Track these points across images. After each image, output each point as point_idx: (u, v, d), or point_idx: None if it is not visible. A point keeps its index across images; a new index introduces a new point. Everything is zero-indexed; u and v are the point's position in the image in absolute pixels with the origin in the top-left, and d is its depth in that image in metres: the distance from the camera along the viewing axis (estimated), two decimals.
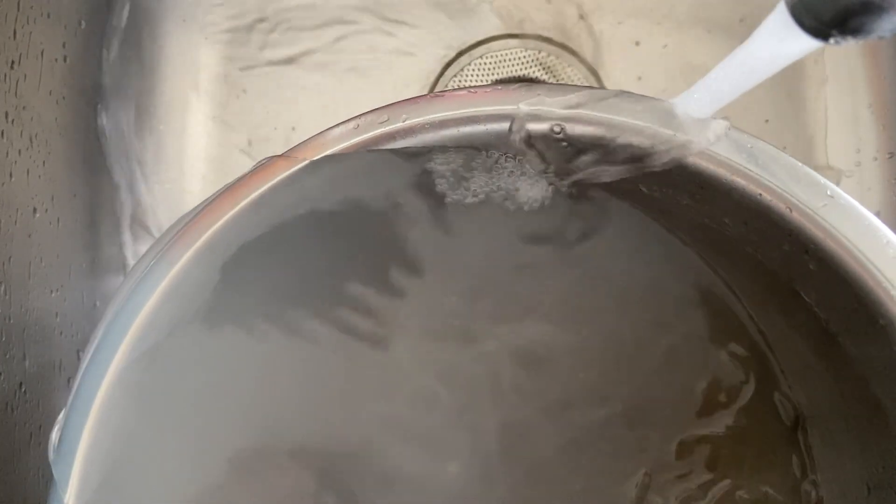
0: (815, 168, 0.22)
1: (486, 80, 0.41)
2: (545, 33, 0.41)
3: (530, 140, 0.23)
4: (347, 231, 0.27)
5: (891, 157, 0.40)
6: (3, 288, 0.30)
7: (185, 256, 0.23)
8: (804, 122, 0.41)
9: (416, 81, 0.41)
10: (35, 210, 0.33)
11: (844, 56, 0.41)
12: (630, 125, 0.22)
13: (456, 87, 0.41)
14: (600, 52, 0.41)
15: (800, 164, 0.22)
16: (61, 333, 0.35)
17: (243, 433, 0.27)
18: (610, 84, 0.41)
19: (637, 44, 0.41)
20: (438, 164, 0.25)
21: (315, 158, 0.23)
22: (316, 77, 0.41)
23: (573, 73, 0.41)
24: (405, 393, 0.29)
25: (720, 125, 0.22)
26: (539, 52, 0.41)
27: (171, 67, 0.41)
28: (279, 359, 0.28)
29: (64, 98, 0.35)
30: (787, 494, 0.28)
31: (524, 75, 0.41)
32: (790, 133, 0.41)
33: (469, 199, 0.27)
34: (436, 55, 0.41)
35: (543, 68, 0.41)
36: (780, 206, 0.22)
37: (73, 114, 0.35)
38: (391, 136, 0.23)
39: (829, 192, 0.22)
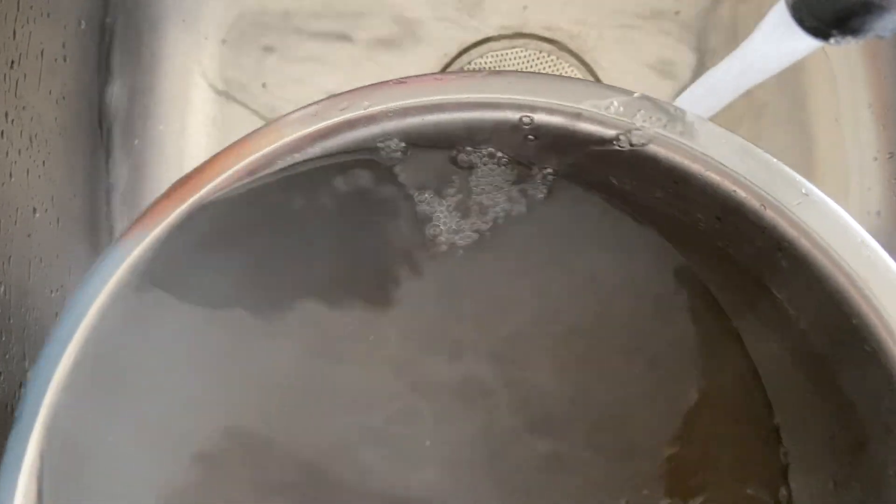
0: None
1: None
2: (546, 33, 0.41)
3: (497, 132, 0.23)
4: (319, 235, 0.26)
5: (891, 157, 0.40)
6: (3, 288, 0.30)
7: (143, 242, 0.22)
8: (803, 122, 0.41)
9: None
10: (35, 210, 0.33)
11: (844, 56, 0.41)
12: (592, 114, 0.22)
13: None
14: (601, 52, 0.41)
15: (775, 160, 0.22)
16: None
17: (206, 433, 0.26)
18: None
19: (638, 44, 0.41)
20: (397, 161, 0.24)
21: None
22: (316, 78, 0.41)
23: (573, 73, 0.41)
24: (382, 402, 0.28)
25: (685, 117, 0.22)
26: (539, 52, 0.41)
27: (170, 67, 0.41)
28: (246, 354, 0.27)
29: (64, 98, 0.35)
30: (768, 497, 0.28)
31: None
32: (789, 133, 0.41)
33: (436, 200, 0.26)
34: (436, 55, 0.41)
35: (544, 68, 0.41)
36: (754, 203, 0.22)
37: (72, 114, 0.35)
38: (351, 124, 0.22)
39: (803, 190, 0.21)
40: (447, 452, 0.28)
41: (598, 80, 0.41)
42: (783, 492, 0.28)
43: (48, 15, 0.33)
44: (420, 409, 0.28)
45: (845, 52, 0.41)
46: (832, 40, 0.18)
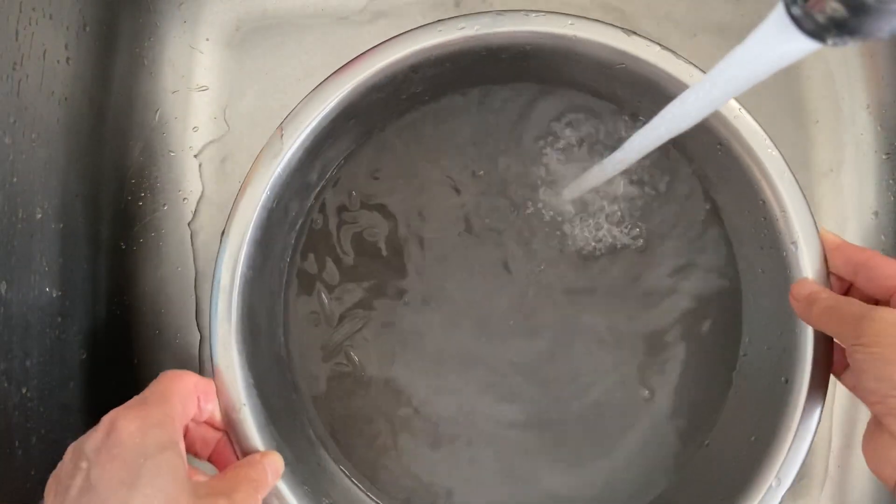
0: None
1: None
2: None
3: None
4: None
5: (888, 157, 0.41)
6: (3, 288, 0.30)
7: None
8: (801, 122, 0.41)
9: None
10: (36, 210, 0.33)
11: (842, 57, 0.41)
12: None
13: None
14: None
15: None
16: (62, 333, 0.35)
17: None
18: None
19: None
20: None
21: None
22: (316, 78, 0.41)
23: None
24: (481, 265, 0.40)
25: None
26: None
27: (171, 68, 0.41)
28: None
29: (66, 99, 0.35)
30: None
31: None
32: (788, 133, 0.41)
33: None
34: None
35: None
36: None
37: (74, 115, 0.36)
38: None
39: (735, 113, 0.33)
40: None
41: None
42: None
43: (50, 16, 0.33)
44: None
45: (843, 53, 0.41)
46: (830, 42, 0.18)
